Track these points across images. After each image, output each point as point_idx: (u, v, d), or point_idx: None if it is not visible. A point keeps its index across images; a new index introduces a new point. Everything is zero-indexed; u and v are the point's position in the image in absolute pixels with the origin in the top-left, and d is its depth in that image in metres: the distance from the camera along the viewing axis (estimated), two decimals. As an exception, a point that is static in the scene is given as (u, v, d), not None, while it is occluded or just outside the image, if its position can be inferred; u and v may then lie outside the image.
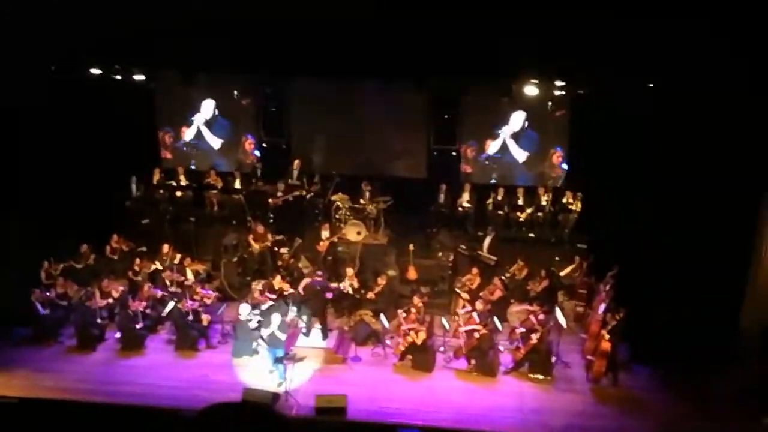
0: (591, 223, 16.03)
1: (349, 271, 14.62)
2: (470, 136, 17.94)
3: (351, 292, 14.40)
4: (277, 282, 14.22)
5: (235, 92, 18.54)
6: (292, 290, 14.21)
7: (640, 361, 13.01)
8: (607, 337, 12.29)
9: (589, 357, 12.68)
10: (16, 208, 14.50)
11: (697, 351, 12.37)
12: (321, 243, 15.67)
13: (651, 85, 14.35)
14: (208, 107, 18.68)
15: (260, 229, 15.92)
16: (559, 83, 15.80)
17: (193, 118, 18.77)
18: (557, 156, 17.52)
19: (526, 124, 17.48)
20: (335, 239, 15.88)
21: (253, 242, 15.82)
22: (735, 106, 12.46)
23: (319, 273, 14.34)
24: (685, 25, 11.99)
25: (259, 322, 13.19)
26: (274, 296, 13.93)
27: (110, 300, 14.09)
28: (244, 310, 13.28)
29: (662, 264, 13.33)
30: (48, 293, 13.98)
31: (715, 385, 12.16)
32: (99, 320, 13.79)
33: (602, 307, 13.10)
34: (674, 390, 12.32)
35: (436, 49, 13.99)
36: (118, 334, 13.66)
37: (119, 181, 17.40)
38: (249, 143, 18.72)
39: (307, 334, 13.92)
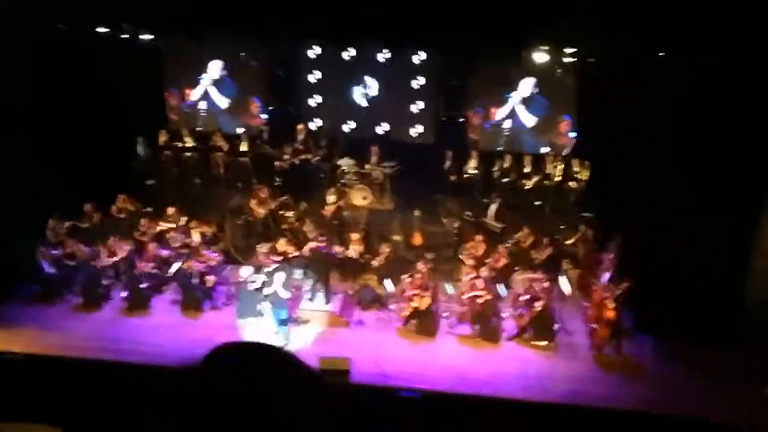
0: (598, 192, 15.97)
1: (355, 235, 14.62)
2: (478, 103, 17.82)
3: (356, 256, 14.40)
4: (282, 245, 14.22)
5: (242, 54, 18.38)
6: (296, 253, 14.23)
7: (644, 330, 13.04)
8: (612, 305, 12.31)
9: (593, 325, 12.71)
10: (24, 165, 14.51)
11: (701, 321, 12.41)
12: (327, 207, 15.66)
13: (661, 54, 14.23)
14: (215, 68, 18.55)
15: (263, 192, 15.89)
16: (569, 50, 15.64)
17: (200, 78, 18.66)
18: (565, 124, 17.40)
19: (536, 90, 17.34)
20: (341, 204, 15.86)
21: (255, 206, 15.79)
22: (749, 74, 12.34)
23: (324, 237, 14.32)
24: None
25: (263, 284, 13.23)
26: (278, 259, 13.95)
27: (116, 259, 14.15)
28: (247, 272, 13.33)
29: (668, 234, 13.30)
30: (54, 251, 14.03)
31: (717, 355, 12.20)
32: (105, 279, 13.85)
33: (606, 275, 13.10)
34: (676, 360, 12.37)
35: (446, 14, 13.87)
36: (123, 294, 13.73)
37: (126, 141, 17.37)
38: (255, 106, 18.63)
39: (312, 298, 13.97)
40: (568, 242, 15.29)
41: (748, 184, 12.76)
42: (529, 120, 17.55)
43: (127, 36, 16.66)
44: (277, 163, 17.13)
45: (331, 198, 15.74)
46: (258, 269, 13.58)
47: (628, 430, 10.80)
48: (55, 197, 14.96)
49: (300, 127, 17.71)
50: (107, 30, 16.26)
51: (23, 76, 14.83)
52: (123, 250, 14.34)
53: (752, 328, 12.58)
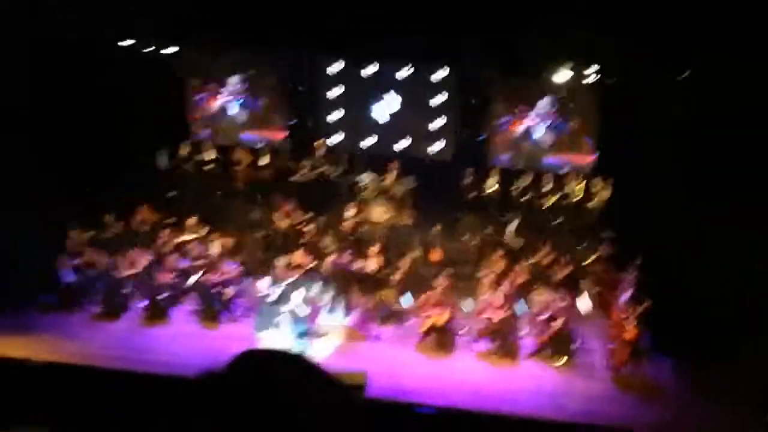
0: (618, 211, 15.91)
1: (373, 250, 14.64)
2: (498, 121, 17.85)
3: (375, 271, 14.41)
4: (299, 257, 14.26)
5: (264, 68, 18.54)
6: (313, 266, 14.26)
7: (663, 351, 12.93)
8: (631, 325, 12.24)
9: (611, 344, 12.63)
10: (46, 176, 14.67)
11: (723, 343, 12.29)
12: (345, 222, 15.71)
13: (684, 75, 14.22)
14: (236, 82, 18.72)
15: (285, 206, 15.96)
16: (589, 68, 15.66)
17: (222, 91, 18.84)
18: (586, 142, 17.38)
19: (556, 108, 17.35)
20: (360, 219, 15.92)
21: (277, 219, 15.87)
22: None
23: (346, 252, 14.30)
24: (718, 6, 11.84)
25: (281, 297, 13.26)
26: (296, 272, 13.97)
27: (136, 270, 14.24)
28: (264, 284, 13.37)
29: (688, 254, 13.23)
30: (74, 261, 14.14)
31: (737, 376, 12.05)
32: (124, 289, 13.94)
33: (626, 295, 13.02)
34: (695, 382, 12.23)
35: (467, 32, 13.94)
36: (142, 304, 13.80)
37: (148, 153, 17.55)
38: (276, 120, 18.76)
39: (332, 312, 13.97)
40: (587, 261, 15.24)
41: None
42: (548, 138, 17.55)
43: (152, 48, 16.84)
44: (294, 178, 17.18)
45: (349, 213, 15.80)
46: (276, 282, 13.61)
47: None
48: (76, 208, 15.13)
49: (319, 142, 17.83)
50: (132, 42, 16.44)
51: (47, 88, 15.06)
52: (143, 260, 14.44)
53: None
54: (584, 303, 13.19)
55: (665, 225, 14.02)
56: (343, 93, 18.44)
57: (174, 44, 16.93)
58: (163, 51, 17.08)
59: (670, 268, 13.27)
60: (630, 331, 12.19)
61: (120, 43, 16.40)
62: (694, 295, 12.83)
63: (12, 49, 14.26)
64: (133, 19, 15.26)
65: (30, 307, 13.93)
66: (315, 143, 17.81)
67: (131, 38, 16.49)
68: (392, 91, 18.15)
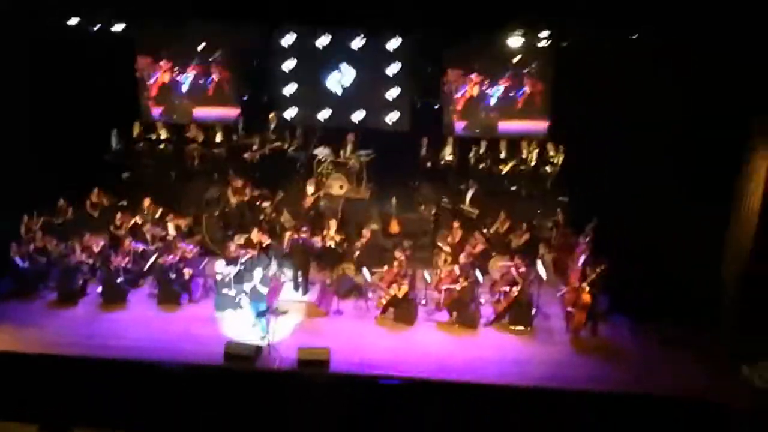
0: (572, 176, 16.05)
1: (332, 224, 14.61)
2: (453, 88, 17.80)
3: (333, 246, 14.40)
4: (256, 236, 14.18)
5: (214, 42, 18.23)
6: (271, 244, 14.20)
7: (620, 312, 13.15)
8: (587, 289, 12.42)
9: (569, 309, 12.80)
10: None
11: (678, 302, 12.55)
12: (306, 198, 15.62)
13: (634, 36, 14.28)
14: (188, 58, 18.39)
15: (238, 183, 15.83)
16: (542, 34, 15.66)
17: (174, 69, 18.50)
18: (538, 107, 17.45)
19: (510, 74, 17.35)
20: (321, 194, 15.86)
21: (232, 196, 15.73)
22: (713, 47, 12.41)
23: (303, 228, 14.25)
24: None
25: (238, 275, 13.19)
26: (252, 250, 13.89)
27: (91, 254, 14.05)
28: (221, 265, 13.29)
29: (642, 215, 13.44)
30: (27, 247, 13.90)
31: (694, 336, 12.34)
32: (80, 275, 13.75)
33: (582, 259, 13.19)
34: (654, 341, 12.48)
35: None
36: (99, 289, 13.64)
37: (99, 135, 17.22)
38: (228, 96, 18.51)
39: (297, 289, 13.94)
40: (545, 226, 15.38)
41: (724, 162, 12.80)
42: (502, 105, 17.55)
43: (99, 26, 16.44)
44: (247, 155, 17.02)
45: (310, 189, 15.72)
46: (234, 261, 13.54)
47: (605, 411, 10.92)
48: (28, 193, 14.85)
49: (271, 116, 17.64)
50: (77, 20, 16.02)
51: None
52: (98, 244, 14.27)
53: (729, 306, 12.70)
54: (541, 269, 13.31)
55: (619, 187, 14.21)
56: (297, 66, 18.20)
57: (122, 21, 16.51)
58: (111, 29, 16.65)
59: (625, 230, 13.48)
60: (587, 295, 12.35)
61: (67, 22, 15.94)
62: (649, 255, 13.08)
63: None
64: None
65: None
66: (269, 117, 17.61)
67: (78, 16, 16.03)
68: (346, 63, 17.98)
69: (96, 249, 14.18)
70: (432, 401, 11.29)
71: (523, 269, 13.14)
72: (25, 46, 15.26)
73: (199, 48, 18.27)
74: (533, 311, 13.02)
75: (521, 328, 12.82)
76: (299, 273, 14.05)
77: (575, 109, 15.49)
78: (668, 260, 12.98)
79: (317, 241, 14.29)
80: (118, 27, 16.58)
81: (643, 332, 12.73)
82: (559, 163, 16.42)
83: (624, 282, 13.06)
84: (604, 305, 13.04)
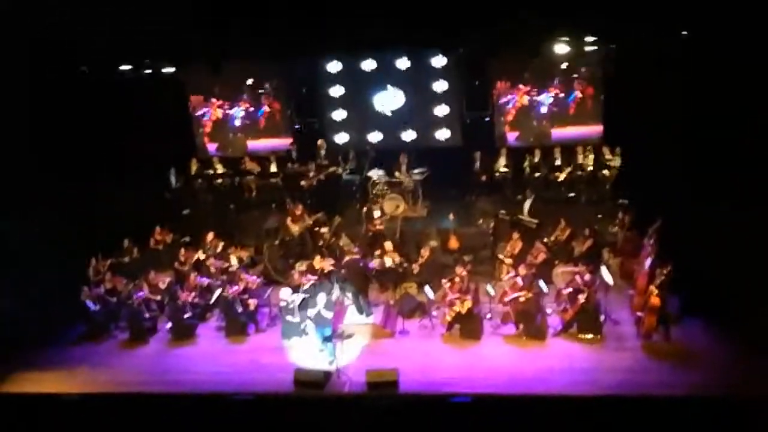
0: (632, 178, 15.78)
1: (389, 245, 14.60)
2: (502, 100, 17.76)
3: (393, 265, 14.39)
4: (317, 262, 14.27)
5: (262, 76, 18.55)
6: (333, 268, 14.27)
7: (692, 313, 12.80)
8: (656, 291, 12.10)
9: (639, 313, 12.51)
10: (59, 208, 14.83)
11: (750, 300, 12.15)
12: (375, 221, 15.64)
13: (684, 33, 14.04)
14: (238, 93, 18.79)
15: (297, 210, 15.97)
16: (588, 38, 15.50)
17: (225, 104, 18.93)
18: (593, 112, 17.27)
19: (557, 81, 17.24)
20: (387, 217, 15.92)
21: (291, 224, 15.89)
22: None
23: (355, 249, 14.26)
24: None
25: (302, 302, 13.26)
26: (315, 276, 13.97)
27: (158, 292, 14.32)
28: (285, 293, 13.39)
29: (707, 213, 13.11)
30: (97, 290, 14.25)
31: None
32: (149, 313, 14.02)
33: (648, 261, 12.90)
34: (727, 341, 12.09)
35: (461, 14, 13.85)
36: (168, 325, 13.88)
37: (158, 174, 17.65)
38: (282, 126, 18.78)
39: (361, 312, 13.96)
40: (607, 231, 15.12)
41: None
42: (554, 112, 17.43)
43: (149, 71, 16.86)
44: (303, 182, 17.20)
45: (377, 212, 15.79)
46: (297, 288, 13.63)
47: (682, 417, 10.60)
48: (94, 237, 15.28)
49: (320, 142, 17.85)
50: (129, 66, 16.47)
51: (54, 119, 15.20)
52: (164, 282, 14.53)
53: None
54: (607, 274, 13.05)
55: (680, 186, 13.91)
56: (345, 91, 18.42)
57: (171, 65, 16.92)
58: (162, 71, 17.07)
59: (690, 228, 13.16)
60: (655, 298, 12.05)
61: (118, 67, 16.41)
62: (717, 254, 12.70)
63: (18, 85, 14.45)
64: (130, 43, 15.26)
65: (59, 340, 14.04)
66: (318, 143, 17.81)
67: (128, 62, 16.50)
68: (393, 84, 18.11)
69: (162, 286, 14.42)
70: (504, 416, 11.12)
71: (587, 276, 12.88)
72: (81, 92, 15.75)
73: (248, 82, 18.66)
74: (602, 318, 12.76)
75: (590, 336, 12.57)
76: (361, 296, 14.07)
77: (629, 110, 15.27)
78: (738, 258, 12.59)
79: (374, 261, 14.29)
80: (168, 69, 16.94)
81: (716, 333, 12.34)
82: (617, 166, 16.19)
83: (694, 282, 12.71)
84: (674, 307, 12.70)
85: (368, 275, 14.17)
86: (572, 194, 16.50)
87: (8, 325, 13.70)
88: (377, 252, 14.63)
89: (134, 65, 16.50)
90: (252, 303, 13.75)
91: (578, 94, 17.36)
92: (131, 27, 14.19)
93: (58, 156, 15.35)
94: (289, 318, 13.23)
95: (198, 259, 15.24)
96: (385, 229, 15.89)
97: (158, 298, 14.31)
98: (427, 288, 13.40)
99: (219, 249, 15.54)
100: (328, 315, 12.73)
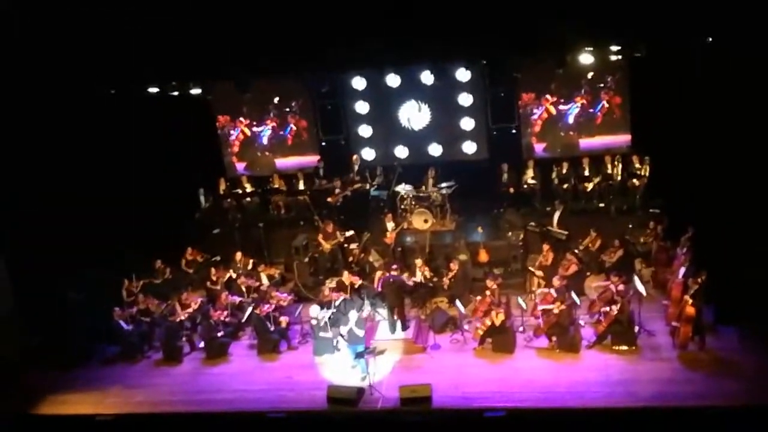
0: (662, 187, 15.63)
1: (418, 261, 14.57)
2: (528, 111, 17.73)
3: (423, 281, 14.36)
4: (347, 278, 14.29)
5: (288, 93, 18.70)
6: (363, 284, 14.26)
7: (727, 322, 12.62)
8: (691, 301, 11.95)
9: (674, 323, 12.35)
10: (90, 230, 15.01)
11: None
12: (388, 234, 15.71)
13: (709, 39, 13.90)
14: (264, 111, 18.95)
15: (329, 227, 16.01)
16: (614, 47, 15.40)
17: (252, 123, 19.10)
18: (618, 121, 17.18)
19: (583, 91, 17.18)
20: (401, 228, 15.91)
21: (322, 241, 15.93)
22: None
23: (394, 266, 14.27)
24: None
25: (333, 318, 13.26)
26: (345, 293, 13.98)
27: (190, 311, 14.41)
28: (315, 310, 13.41)
29: (740, 221, 12.92)
30: (130, 310, 14.38)
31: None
32: (182, 332, 14.12)
33: (682, 271, 12.76)
34: (763, 350, 11.90)
35: (484, 26, 13.83)
36: (201, 344, 13.95)
37: (187, 194, 17.80)
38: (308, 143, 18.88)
39: (392, 327, 13.94)
40: (638, 241, 14.97)
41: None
42: (580, 122, 17.36)
43: (176, 92, 17.01)
44: (330, 198, 17.26)
45: (390, 225, 15.80)
46: (328, 304, 13.64)
47: (720, 427, 10.43)
48: (126, 258, 15.45)
49: (354, 158, 17.92)
50: (156, 87, 16.63)
51: (83, 141, 15.41)
52: (196, 301, 14.63)
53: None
54: (639, 285, 12.91)
55: (712, 194, 13.73)
56: (370, 106, 18.49)
57: (199, 85, 17.05)
58: (189, 91, 17.21)
59: (724, 236, 12.98)
60: (690, 307, 11.89)
61: (145, 88, 16.57)
62: (751, 262, 12.53)
63: (48, 107, 14.67)
64: (158, 64, 15.42)
65: (94, 361, 14.18)
66: (352, 159, 17.89)
67: (153, 83, 16.64)
68: (418, 98, 18.17)
69: (195, 306, 14.52)
70: (540, 430, 11.03)
71: (621, 287, 12.75)
72: (106, 117, 15.95)
73: (275, 100, 18.81)
74: (636, 329, 12.62)
75: (625, 347, 12.43)
76: (394, 311, 14.05)
77: (658, 118, 15.14)
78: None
79: (407, 277, 14.28)
80: (194, 90, 17.07)
81: (753, 342, 12.15)
82: (646, 174, 16.04)
83: (728, 291, 12.54)
84: (709, 317, 12.54)
85: (401, 291, 14.09)
86: (602, 204, 16.36)
87: (44, 346, 13.90)
88: (409, 267, 14.63)
89: (162, 85, 16.64)
90: (284, 320, 13.80)
91: (605, 103, 17.28)
92: (158, 47, 14.33)
93: (87, 177, 15.53)
94: (321, 334, 13.25)
95: (229, 277, 15.32)
96: (412, 243, 15.91)
97: (191, 317, 14.39)
98: (458, 302, 13.36)
99: (249, 267, 15.63)
100: (360, 331, 12.73)
